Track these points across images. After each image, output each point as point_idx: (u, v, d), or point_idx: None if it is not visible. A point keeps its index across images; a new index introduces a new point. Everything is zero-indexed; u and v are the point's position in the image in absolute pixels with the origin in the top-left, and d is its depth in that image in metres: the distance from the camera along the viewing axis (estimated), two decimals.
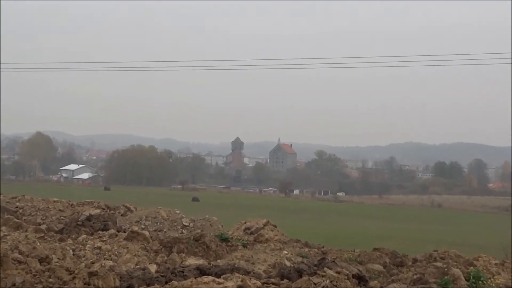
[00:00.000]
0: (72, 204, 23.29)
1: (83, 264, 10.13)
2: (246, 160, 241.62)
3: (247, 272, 9.15)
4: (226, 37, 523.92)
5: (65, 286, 7.38)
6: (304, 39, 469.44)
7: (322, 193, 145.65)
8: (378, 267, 13.65)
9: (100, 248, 12.99)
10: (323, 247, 18.22)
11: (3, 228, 14.73)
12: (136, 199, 58.04)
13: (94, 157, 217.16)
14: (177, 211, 21.61)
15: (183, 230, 19.53)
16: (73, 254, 12.32)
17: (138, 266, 10.96)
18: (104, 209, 23.11)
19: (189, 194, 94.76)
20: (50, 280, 7.60)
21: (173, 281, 7.71)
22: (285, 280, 8.10)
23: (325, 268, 8.38)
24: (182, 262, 12.10)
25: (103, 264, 10.14)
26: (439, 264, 12.43)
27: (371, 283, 9.67)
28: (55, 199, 23.50)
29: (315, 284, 7.34)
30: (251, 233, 19.09)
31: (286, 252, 14.24)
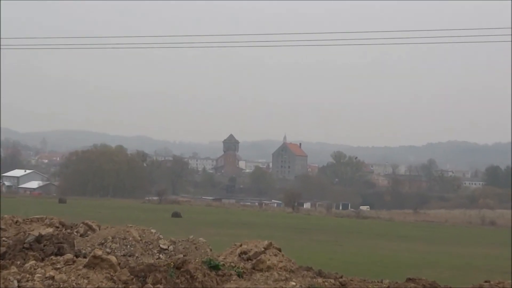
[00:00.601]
0: (16, 221, 23.05)
1: None
2: (242, 164, 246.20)
3: None
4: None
5: None
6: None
7: (341, 207, 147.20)
8: None
9: (53, 278, 12.83)
10: (341, 277, 18.12)
11: None
12: (100, 215, 57.69)
13: (46, 160, 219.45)
14: (153, 230, 21.60)
15: (161, 255, 19.65)
16: (18, 286, 12.06)
17: None
18: (58, 227, 22.84)
19: (168, 208, 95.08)
20: None
21: None
22: None
23: None
24: None
25: None
26: None
27: None
28: None
29: None
30: (249, 259, 18.96)
31: (294, 283, 14.24)
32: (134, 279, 13.45)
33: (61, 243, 17.86)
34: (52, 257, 15.37)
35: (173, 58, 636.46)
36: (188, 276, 14.05)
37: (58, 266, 13.83)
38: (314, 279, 16.01)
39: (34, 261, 14.58)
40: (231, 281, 14.33)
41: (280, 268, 17.66)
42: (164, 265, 14.24)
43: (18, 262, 14.86)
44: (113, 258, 14.25)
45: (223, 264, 16.02)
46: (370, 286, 15.61)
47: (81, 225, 23.24)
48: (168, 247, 20.13)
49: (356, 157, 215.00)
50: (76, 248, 18.34)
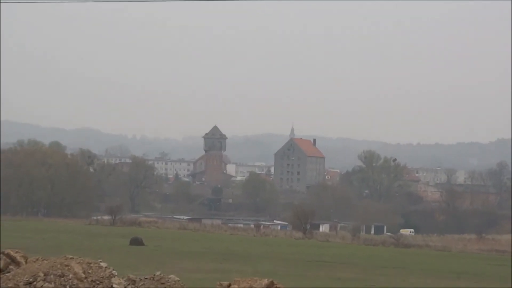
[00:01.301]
0: None
1: None
2: (231, 168, 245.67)
3: None
4: None
5: None
6: None
7: (373, 231, 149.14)
8: None
9: None
10: None
11: None
12: (27, 242, 57.29)
13: None
14: (103, 264, 21.50)
15: None
16: None
17: None
18: None
19: (125, 231, 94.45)
20: None
21: None
22: None
23: None
24: None
25: None
26: None
27: None
28: None
29: None
30: None
31: None
32: None
33: None
34: None
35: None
36: None
37: None
38: None
39: None
40: None
41: None
42: None
43: None
44: None
45: None
46: None
47: (1, 256, 23.12)
48: (125, 287, 20.08)
49: (395, 159, 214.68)
50: None
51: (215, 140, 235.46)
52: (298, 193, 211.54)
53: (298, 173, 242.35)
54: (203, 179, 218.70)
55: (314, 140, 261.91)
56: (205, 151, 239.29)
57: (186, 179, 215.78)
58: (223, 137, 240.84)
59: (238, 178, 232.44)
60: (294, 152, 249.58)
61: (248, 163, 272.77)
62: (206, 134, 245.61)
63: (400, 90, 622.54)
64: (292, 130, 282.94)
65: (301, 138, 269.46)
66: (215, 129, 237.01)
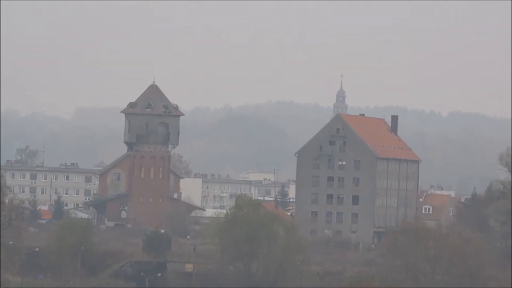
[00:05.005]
0: None
1: None
2: (190, 187, 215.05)
3: None
4: None
5: None
6: None
7: None
8: None
9: None
10: None
11: None
12: None
13: None
14: None
15: None
16: None
17: None
18: None
19: None
20: None
21: None
22: None
23: None
24: None
25: None
26: None
27: None
28: None
29: None
30: None
31: None
32: None
33: None
34: None
35: None
36: None
37: None
38: None
39: None
40: None
41: None
42: None
43: None
44: None
45: None
46: None
47: None
48: None
49: None
50: None
51: (153, 118, 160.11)
52: (353, 252, 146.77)
53: (355, 199, 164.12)
54: (125, 209, 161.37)
55: (394, 119, 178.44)
56: (128, 145, 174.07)
57: (84, 215, 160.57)
58: (168, 113, 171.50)
59: (208, 211, 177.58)
60: (345, 146, 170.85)
61: (237, 172, 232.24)
62: (131, 104, 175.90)
63: None
64: (341, 93, 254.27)
65: (361, 115, 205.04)
66: (154, 89, 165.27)
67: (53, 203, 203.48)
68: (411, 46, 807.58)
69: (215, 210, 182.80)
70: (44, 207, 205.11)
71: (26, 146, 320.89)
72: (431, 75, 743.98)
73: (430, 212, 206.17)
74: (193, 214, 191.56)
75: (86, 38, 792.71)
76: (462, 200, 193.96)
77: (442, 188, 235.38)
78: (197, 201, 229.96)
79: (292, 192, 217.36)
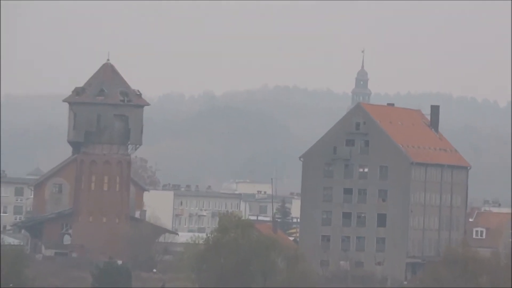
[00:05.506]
0: None
1: None
2: (161, 201, 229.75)
3: None
4: None
5: None
6: None
7: None
8: None
9: None
10: None
11: None
12: None
13: None
14: None
15: None
16: None
17: None
18: None
19: None
20: None
21: None
22: None
23: None
24: None
25: None
26: None
27: None
28: None
29: None
30: None
31: None
32: None
33: None
34: None
35: None
36: None
37: None
38: None
39: None
40: None
41: None
42: None
43: None
44: None
45: None
46: None
47: None
48: None
49: None
50: None
51: (108, 109, 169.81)
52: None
53: (382, 220, 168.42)
54: (69, 232, 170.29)
55: (435, 110, 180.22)
56: (74, 147, 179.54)
57: (13, 240, 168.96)
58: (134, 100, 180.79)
59: (182, 235, 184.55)
60: (368, 147, 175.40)
61: (221, 182, 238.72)
62: (77, 92, 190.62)
63: None
64: (362, 73, 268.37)
65: (390, 105, 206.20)
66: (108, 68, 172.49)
67: None
68: (458, 16, 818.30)
69: (191, 234, 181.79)
70: None
71: None
72: (485, 56, 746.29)
73: (484, 236, 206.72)
74: (161, 239, 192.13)
75: None
76: None
77: (499, 204, 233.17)
78: (167, 221, 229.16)
79: (295, 209, 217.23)
